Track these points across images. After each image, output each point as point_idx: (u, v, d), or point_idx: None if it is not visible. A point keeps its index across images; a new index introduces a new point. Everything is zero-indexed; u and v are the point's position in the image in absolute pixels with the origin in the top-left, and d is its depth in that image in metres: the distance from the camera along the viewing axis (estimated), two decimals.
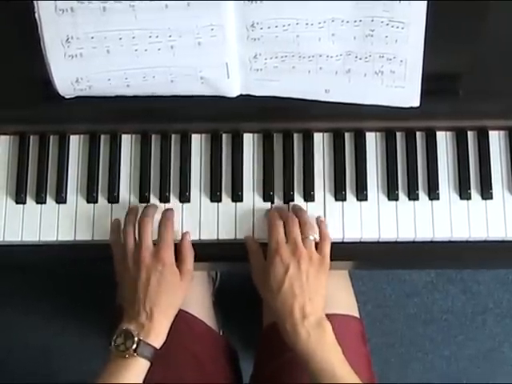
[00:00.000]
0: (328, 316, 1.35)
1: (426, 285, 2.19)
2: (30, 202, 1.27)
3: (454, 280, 2.19)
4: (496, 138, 1.28)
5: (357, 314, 1.48)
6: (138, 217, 1.22)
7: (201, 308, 1.48)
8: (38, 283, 2.19)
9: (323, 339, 1.14)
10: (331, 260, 1.20)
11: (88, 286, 2.15)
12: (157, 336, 1.15)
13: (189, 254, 1.22)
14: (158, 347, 1.16)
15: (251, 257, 1.22)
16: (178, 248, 1.22)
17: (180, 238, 1.23)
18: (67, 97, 1.16)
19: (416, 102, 1.14)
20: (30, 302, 2.20)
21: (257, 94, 1.17)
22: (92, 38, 1.08)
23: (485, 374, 2.19)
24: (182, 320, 1.40)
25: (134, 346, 1.12)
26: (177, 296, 1.19)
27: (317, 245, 1.20)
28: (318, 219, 1.23)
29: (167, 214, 1.23)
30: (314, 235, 1.20)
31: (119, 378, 1.13)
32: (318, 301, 1.16)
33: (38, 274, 2.17)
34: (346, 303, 1.48)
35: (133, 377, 1.13)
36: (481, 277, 2.19)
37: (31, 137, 1.29)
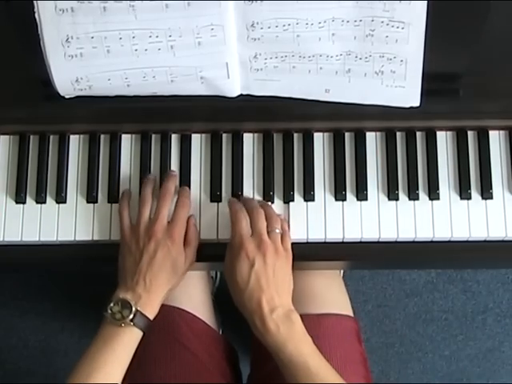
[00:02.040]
0: (322, 316, 1.36)
1: (426, 284, 2.19)
2: (30, 201, 1.27)
3: (455, 280, 2.19)
4: (496, 138, 1.28)
5: (351, 313, 1.48)
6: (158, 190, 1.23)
7: (201, 307, 1.48)
8: (38, 283, 2.20)
9: (293, 331, 1.13)
10: (331, 260, 1.20)
11: (88, 285, 2.15)
12: (152, 308, 1.16)
13: (193, 236, 1.23)
14: (152, 318, 1.17)
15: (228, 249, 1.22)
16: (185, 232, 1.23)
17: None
18: (67, 97, 1.16)
19: (416, 102, 1.14)
20: (29, 302, 2.20)
21: (257, 94, 1.17)
22: (92, 37, 1.08)
23: (485, 374, 2.19)
24: (182, 319, 1.40)
25: (131, 316, 1.13)
26: (177, 275, 1.20)
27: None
28: (279, 216, 1.23)
29: (185, 191, 1.24)
30: (280, 229, 1.20)
31: (114, 346, 1.13)
32: (285, 293, 1.16)
33: (38, 273, 2.17)
34: (340, 302, 1.48)
35: (127, 345, 1.14)
36: (481, 276, 2.19)
37: (31, 136, 1.30)
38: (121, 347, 1.14)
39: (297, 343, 1.13)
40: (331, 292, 1.48)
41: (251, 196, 1.27)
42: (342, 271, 2.03)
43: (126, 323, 1.13)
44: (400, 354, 2.20)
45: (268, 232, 1.18)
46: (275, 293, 1.14)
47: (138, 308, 1.14)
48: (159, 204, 1.21)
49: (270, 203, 1.26)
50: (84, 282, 2.16)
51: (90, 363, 1.12)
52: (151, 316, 1.16)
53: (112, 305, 1.15)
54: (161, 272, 1.17)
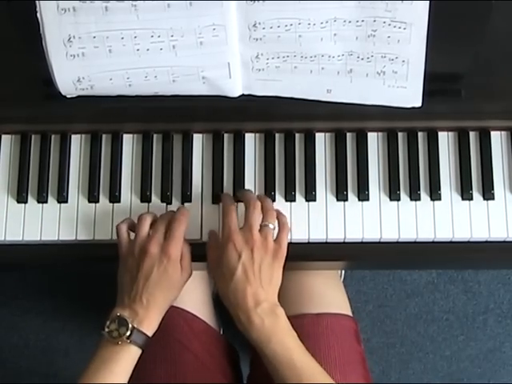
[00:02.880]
0: (320, 315, 1.36)
1: (427, 285, 2.19)
2: (32, 201, 1.27)
3: (455, 280, 2.19)
4: (498, 139, 1.28)
5: (350, 313, 1.48)
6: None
7: (201, 307, 1.48)
8: (39, 283, 2.20)
9: (277, 325, 1.13)
10: (333, 260, 1.20)
11: (88, 285, 2.15)
12: (150, 325, 1.15)
13: (185, 249, 1.21)
14: (151, 335, 1.16)
15: (208, 250, 1.21)
16: None
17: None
18: (69, 96, 1.16)
19: (418, 103, 1.14)
20: (30, 301, 2.19)
21: (259, 94, 1.17)
22: (94, 37, 1.08)
23: (486, 374, 2.19)
24: (183, 318, 1.40)
25: (128, 333, 1.12)
26: (173, 292, 1.19)
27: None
28: (277, 211, 1.22)
29: (182, 210, 1.23)
30: (275, 224, 1.19)
31: (111, 365, 1.12)
32: (271, 289, 1.16)
33: (39, 273, 2.17)
34: (338, 302, 1.47)
35: (124, 363, 1.13)
36: (482, 277, 2.19)
37: (33, 136, 1.30)
38: (118, 365, 1.13)
39: (281, 338, 1.13)
40: (330, 292, 1.47)
41: None
42: (342, 275, 2.04)
43: (123, 341, 1.12)
44: (401, 355, 2.20)
45: (261, 226, 1.17)
46: (261, 287, 1.14)
47: (135, 325, 1.13)
48: (157, 221, 1.20)
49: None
50: (85, 282, 2.16)
51: (88, 382, 1.12)
52: (149, 333, 1.15)
53: (109, 323, 1.14)
54: (157, 290, 1.16)
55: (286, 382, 1.12)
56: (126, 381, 1.14)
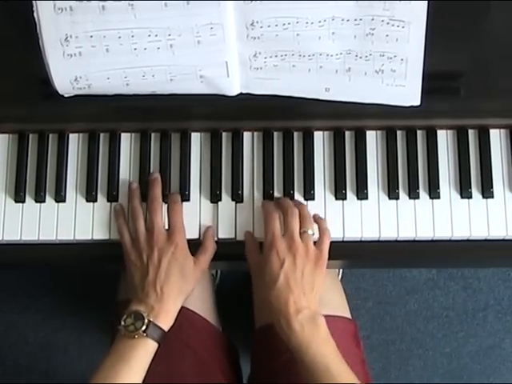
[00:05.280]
0: None
1: (426, 281, 2.19)
2: (29, 200, 1.27)
3: (455, 277, 2.19)
4: (497, 137, 1.27)
5: (348, 315, 1.48)
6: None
7: (201, 305, 1.48)
8: (38, 280, 2.20)
9: (317, 333, 1.14)
10: (332, 259, 1.20)
11: (87, 282, 2.15)
12: (165, 318, 1.17)
13: (210, 246, 1.23)
14: (167, 329, 1.17)
15: (248, 253, 1.23)
16: (202, 240, 1.24)
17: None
18: (66, 95, 1.16)
19: (417, 101, 1.14)
20: (29, 299, 2.20)
21: (257, 93, 1.17)
22: (91, 36, 1.07)
23: (486, 371, 2.19)
24: (183, 316, 1.39)
25: (144, 327, 1.14)
26: (187, 280, 1.21)
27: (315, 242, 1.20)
28: (315, 216, 1.23)
29: (174, 197, 1.24)
30: (314, 230, 1.20)
31: (128, 358, 1.14)
32: (312, 296, 1.17)
33: (38, 271, 2.17)
34: (337, 304, 1.48)
35: (141, 357, 1.15)
36: (482, 273, 2.19)
37: (30, 135, 1.29)
38: (135, 359, 1.14)
39: (320, 346, 1.14)
40: (326, 293, 1.46)
41: (251, 195, 1.26)
42: (340, 273, 2.04)
43: (140, 335, 1.14)
44: (400, 351, 2.20)
45: (300, 233, 1.18)
46: (302, 294, 1.15)
47: (151, 319, 1.15)
48: (151, 214, 1.21)
49: (305, 202, 1.26)
50: (84, 279, 2.16)
51: (105, 377, 1.13)
52: (165, 326, 1.17)
53: (125, 317, 1.16)
54: (169, 278, 1.17)
55: None
56: (143, 374, 1.16)
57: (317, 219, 1.23)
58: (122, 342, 1.16)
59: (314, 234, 1.20)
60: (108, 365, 1.14)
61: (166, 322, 1.17)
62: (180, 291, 1.19)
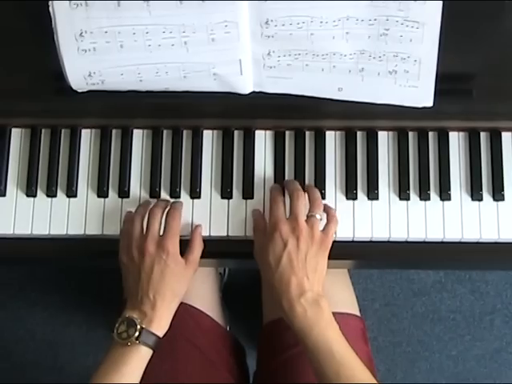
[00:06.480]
0: None
1: (434, 284, 2.19)
2: (41, 195, 1.27)
3: (463, 280, 2.19)
4: (509, 140, 1.27)
5: (357, 312, 1.48)
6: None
7: (208, 303, 1.48)
8: (46, 276, 2.20)
9: (320, 315, 1.13)
10: (341, 259, 1.20)
11: (95, 279, 2.16)
12: (159, 324, 1.16)
13: (197, 244, 1.22)
14: (161, 336, 1.16)
15: (255, 232, 1.22)
16: (190, 239, 1.22)
17: (190, 234, 1.23)
18: (79, 91, 1.16)
19: (429, 102, 1.14)
20: (37, 295, 2.20)
21: (269, 92, 1.17)
22: (105, 32, 1.08)
23: (492, 375, 2.19)
24: (189, 315, 1.40)
25: (137, 334, 1.13)
26: (180, 285, 1.19)
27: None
28: (325, 205, 1.23)
29: (176, 204, 1.24)
30: (322, 215, 1.20)
31: (122, 366, 1.13)
32: (315, 279, 1.16)
33: (47, 267, 2.17)
34: (346, 301, 1.47)
35: (135, 364, 1.14)
36: (489, 277, 2.19)
37: (43, 130, 1.29)
38: (128, 367, 1.13)
39: (323, 329, 1.13)
40: (336, 290, 1.47)
41: (262, 193, 1.26)
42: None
43: (133, 342, 1.13)
44: (407, 353, 2.20)
45: (308, 216, 1.18)
46: (306, 277, 1.14)
47: (144, 326, 1.14)
48: (148, 221, 1.20)
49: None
50: (92, 275, 2.17)
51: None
52: (159, 332, 1.16)
53: (118, 325, 1.15)
54: (162, 286, 1.16)
55: (324, 372, 1.12)
56: (137, 381, 1.15)
57: (326, 207, 1.22)
58: (115, 349, 1.15)
59: (321, 219, 1.19)
60: (101, 372, 1.14)
61: (159, 328, 1.16)
62: (174, 295, 1.18)
